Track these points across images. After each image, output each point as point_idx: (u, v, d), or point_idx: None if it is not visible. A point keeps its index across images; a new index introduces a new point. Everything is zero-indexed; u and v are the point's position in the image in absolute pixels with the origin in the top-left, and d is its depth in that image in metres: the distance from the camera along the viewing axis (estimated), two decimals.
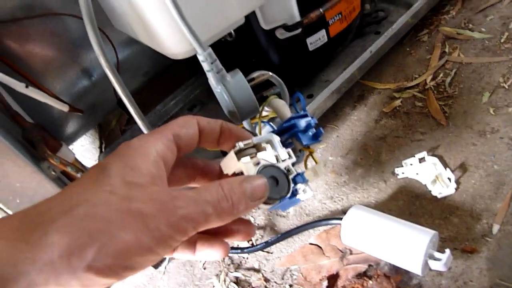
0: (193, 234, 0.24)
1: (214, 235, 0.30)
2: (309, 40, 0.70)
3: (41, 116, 0.59)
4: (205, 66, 0.47)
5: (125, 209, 0.22)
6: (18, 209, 0.46)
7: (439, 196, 0.57)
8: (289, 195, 0.32)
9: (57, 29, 0.66)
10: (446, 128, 0.66)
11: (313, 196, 0.65)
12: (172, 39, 0.50)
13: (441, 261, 0.44)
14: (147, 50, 0.84)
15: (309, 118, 0.46)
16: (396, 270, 0.52)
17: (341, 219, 0.54)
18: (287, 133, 0.47)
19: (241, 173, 0.31)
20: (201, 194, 0.25)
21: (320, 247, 0.58)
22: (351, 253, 0.55)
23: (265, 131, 0.65)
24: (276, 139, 0.35)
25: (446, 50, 0.79)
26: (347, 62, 0.76)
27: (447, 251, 0.45)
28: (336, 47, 0.77)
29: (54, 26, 0.65)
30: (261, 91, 0.66)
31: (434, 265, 0.45)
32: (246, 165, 0.30)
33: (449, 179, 0.57)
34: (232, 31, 0.67)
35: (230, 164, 0.31)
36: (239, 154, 0.32)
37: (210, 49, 0.46)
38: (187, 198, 0.24)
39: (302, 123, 0.46)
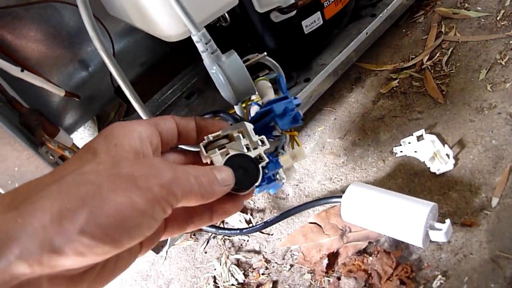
0: (179, 202, 0.24)
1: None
2: (304, 23, 0.69)
3: (39, 107, 0.60)
4: (200, 46, 0.47)
5: (114, 174, 0.22)
6: None
7: (437, 172, 0.57)
8: (258, 183, 0.33)
9: (52, 20, 0.66)
10: (443, 106, 0.65)
11: (311, 178, 0.65)
12: (166, 21, 0.50)
13: (442, 231, 0.44)
14: (143, 40, 0.85)
15: (289, 100, 0.46)
16: (396, 246, 0.52)
17: (340, 197, 0.54)
18: (266, 118, 0.47)
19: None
20: (183, 167, 0.26)
21: (320, 226, 0.58)
22: (350, 231, 0.56)
23: (253, 111, 0.65)
24: (249, 127, 0.35)
25: (443, 30, 0.79)
26: (343, 45, 0.75)
27: (447, 221, 0.45)
28: (331, 30, 0.76)
29: (49, 16, 0.65)
30: (258, 73, 0.66)
31: (435, 235, 0.45)
32: (214, 157, 0.32)
33: (448, 155, 0.57)
34: (227, 16, 0.67)
35: (202, 155, 0.33)
36: (210, 145, 0.33)
37: (204, 29, 0.46)
38: (173, 166, 0.25)
39: (280, 107, 0.45)
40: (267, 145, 0.35)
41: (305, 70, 0.75)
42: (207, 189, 0.26)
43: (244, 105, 0.58)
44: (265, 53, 0.58)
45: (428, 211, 0.46)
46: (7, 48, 0.55)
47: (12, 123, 0.49)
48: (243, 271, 0.59)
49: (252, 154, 0.33)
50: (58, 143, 0.48)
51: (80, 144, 1.02)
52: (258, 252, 0.60)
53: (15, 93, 0.54)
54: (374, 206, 0.50)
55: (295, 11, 0.63)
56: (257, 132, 0.37)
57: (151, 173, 0.23)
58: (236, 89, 0.50)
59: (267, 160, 0.34)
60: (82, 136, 1.04)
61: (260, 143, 0.34)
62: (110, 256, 0.22)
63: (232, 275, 0.58)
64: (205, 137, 0.33)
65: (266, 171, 0.36)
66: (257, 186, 0.34)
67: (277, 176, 0.41)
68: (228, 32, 0.69)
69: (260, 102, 0.63)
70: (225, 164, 0.31)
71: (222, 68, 0.48)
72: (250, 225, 0.63)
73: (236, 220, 0.65)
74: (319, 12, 0.70)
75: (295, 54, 0.75)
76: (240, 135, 0.34)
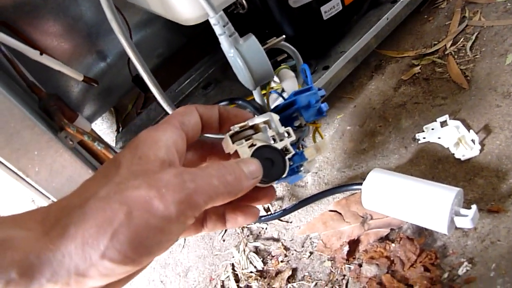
0: (204, 208, 0.24)
1: (239, 203, 0.31)
2: (323, 9, 0.68)
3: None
4: (217, 29, 0.46)
5: (130, 197, 0.23)
6: (38, 177, 0.46)
7: (462, 158, 0.55)
8: (285, 175, 0.32)
9: (70, 10, 0.66)
10: (468, 91, 0.63)
11: (331, 165, 0.64)
12: (184, 5, 0.49)
13: (468, 217, 0.42)
14: (160, 31, 0.85)
15: (313, 92, 0.45)
16: (419, 232, 0.51)
17: (360, 184, 0.53)
18: (290, 109, 0.46)
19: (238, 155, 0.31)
20: (205, 169, 0.25)
21: (340, 214, 0.57)
22: (372, 218, 0.54)
23: (272, 99, 0.64)
24: (275, 118, 0.34)
25: (466, 15, 0.76)
26: (363, 32, 0.74)
27: (474, 206, 0.43)
28: (351, 16, 0.75)
29: (67, 7, 0.65)
30: (276, 58, 0.65)
31: (461, 222, 0.43)
32: (240, 148, 0.31)
33: (473, 141, 0.55)
34: (244, 2, 0.66)
35: (227, 146, 0.32)
36: (236, 136, 0.32)
37: (222, 12, 0.45)
38: (192, 174, 0.24)
39: (304, 99, 0.44)
40: (293, 137, 0.34)
41: (323, 57, 0.74)
42: (234, 186, 0.26)
43: (264, 91, 0.57)
44: (283, 36, 0.57)
45: (454, 196, 0.44)
46: (27, 36, 0.55)
47: (31, 108, 0.49)
48: (261, 259, 0.58)
49: (279, 145, 0.33)
50: (77, 128, 0.49)
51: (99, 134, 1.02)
52: (277, 240, 0.59)
53: (33, 78, 0.54)
54: (397, 193, 0.48)
55: None
56: (283, 122, 0.36)
57: (168, 190, 0.23)
58: (254, 73, 0.49)
59: (293, 152, 0.34)
60: (100, 128, 1.05)
61: (286, 134, 0.34)
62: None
63: (250, 262, 0.58)
64: (231, 127, 0.32)
65: (291, 163, 0.36)
66: (280, 178, 0.33)
67: (301, 168, 0.40)
68: (245, 19, 0.68)
69: (279, 90, 0.62)
70: (252, 155, 0.31)
71: (240, 51, 0.47)
72: (269, 212, 0.62)
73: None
74: None
75: (314, 41, 0.74)
76: (267, 126, 0.33)
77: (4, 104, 0.43)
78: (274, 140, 0.33)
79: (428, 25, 0.79)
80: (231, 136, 0.31)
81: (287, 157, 0.32)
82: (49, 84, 0.59)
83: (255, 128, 0.33)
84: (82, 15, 0.68)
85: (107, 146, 0.51)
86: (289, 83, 0.60)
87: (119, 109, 1.06)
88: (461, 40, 0.72)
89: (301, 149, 0.47)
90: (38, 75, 0.56)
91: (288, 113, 0.46)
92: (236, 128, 0.32)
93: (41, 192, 0.49)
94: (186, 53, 0.91)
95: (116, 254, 0.21)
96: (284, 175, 0.32)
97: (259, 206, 0.64)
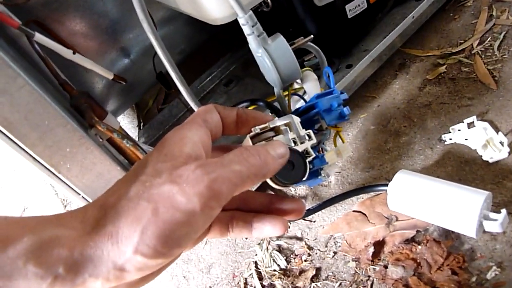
0: (232, 195, 0.25)
1: (268, 214, 0.31)
2: (348, 7, 0.67)
3: None
4: (246, 29, 0.46)
5: (155, 194, 0.24)
6: (69, 174, 0.47)
7: (490, 160, 0.54)
8: (305, 178, 0.32)
9: (96, 7, 0.67)
10: (495, 92, 0.62)
11: (354, 165, 0.64)
12: (213, 4, 0.49)
13: (497, 221, 0.42)
14: (182, 28, 0.85)
15: (336, 96, 0.45)
16: (446, 235, 0.50)
17: (386, 185, 0.52)
18: (311, 112, 0.46)
19: None
20: (226, 157, 0.26)
21: (364, 214, 0.56)
22: (397, 220, 0.54)
23: (294, 102, 0.63)
24: (296, 120, 0.34)
25: (494, 13, 0.75)
26: (387, 30, 0.73)
27: (503, 211, 0.43)
28: (376, 14, 0.74)
29: (93, 3, 0.66)
30: (303, 57, 0.65)
31: (489, 226, 0.43)
32: None
33: (502, 143, 0.55)
34: (269, 0, 0.66)
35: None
36: (256, 138, 0.32)
37: (251, 12, 0.46)
38: (213, 163, 0.25)
39: (325, 102, 0.44)
40: (314, 140, 0.34)
41: (346, 55, 0.73)
42: (259, 167, 0.26)
43: (286, 92, 0.57)
44: (312, 36, 0.57)
45: (483, 200, 0.44)
46: (59, 35, 0.56)
47: (63, 105, 0.50)
48: (285, 257, 0.58)
49: (299, 148, 0.33)
50: (107, 125, 0.49)
51: None
52: (300, 239, 0.60)
53: (65, 77, 0.55)
54: (424, 195, 0.48)
55: None
56: (304, 125, 0.36)
57: (188, 184, 0.24)
58: (282, 72, 0.49)
59: (314, 155, 0.34)
60: (121, 123, 1.06)
61: (307, 137, 0.34)
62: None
63: (274, 260, 0.58)
64: (252, 129, 0.32)
65: (311, 166, 0.35)
66: (300, 181, 0.33)
67: (321, 172, 0.40)
68: (269, 17, 0.68)
69: (301, 93, 0.62)
70: None
71: (268, 51, 0.47)
72: None
73: None
74: None
75: (337, 39, 0.73)
76: (287, 128, 0.33)
77: (40, 102, 0.44)
78: (295, 142, 0.33)
79: (453, 24, 0.78)
80: (252, 138, 0.32)
81: (307, 160, 0.32)
82: (73, 80, 0.60)
83: (276, 130, 0.34)
84: (107, 11, 0.68)
85: (135, 143, 0.52)
86: (311, 86, 0.59)
87: (140, 104, 1.07)
88: (488, 39, 0.71)
89: (321, 152, 0.47)
90: (63, 72, 0.57)
91: (309, 116, 0.46)
92: (257, 129, 0.32)
93: (72, 188, 0.50)
94: (208, 50, 0.91)
95: (147, 249, 0.23)
96: (304, 178, 0.32)
97: None
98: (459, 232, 0.47)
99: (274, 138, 0.33)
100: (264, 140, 0.32)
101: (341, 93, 0.46)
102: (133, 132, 1.02)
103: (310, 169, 0.35)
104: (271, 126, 0.33)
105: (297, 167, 0.32)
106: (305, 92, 0.61)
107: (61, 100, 0.51)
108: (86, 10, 0.66)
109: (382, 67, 0.74)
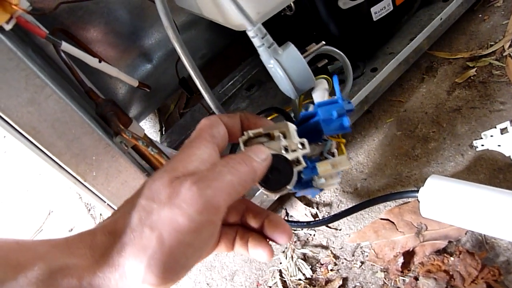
0: (228, 204, 0.25)
1: (261, 236, 0.32)
2: (373, 9, 0.66)
3: None
4: (256, 41, 0.46)
5: (157, 221, 0.24)
6: (95, 182, 0.47)
7: None
8: (289, 186, 0.32)
9: (119, 13, 0.67)
10: None
11: (381, 171, 0.62)
12: (237, 12, 0.49)
13: None
14: (204, 33, 0.85)
15: (337, 104, 0.43)
16: (479, 246, 0.48)
17: (416, 191, 0.51)
18: (310, 121, 0.44)
19: None
20: (215, 169, 0.26)
21: (392, 223, 0.55)
22: (427, 229, 0.52)
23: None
24: (291, 127, 0.34)
25: None
26: (414, 32, 0.71)
27: None
28: (402, 16, 0.72)
29: (117, 10, 0.66)
30: (317, 64, 0.64)
31: None
32: None
33: None
34: (292, 4, 0.65)
35: (238, 150, 0.32)
36: (249, 142, 0.32)
37: (259, 24, 0.45)
38: (206, 179, 0.25)
39: (325, 111, 0.43)
40: (307, 149, 0.33)
41: (371, 58, 0.72)
42: (248, 174, 0.27)
43: (299, 100, 0.56)
44: (323, 42, 0.55)
45: None
46: (84, 42, 0.57)
47: (89, 113, 0.50)
48: (310, 266, 0.57)
49: (290, 156, 0.32)
50: (132, 133, 0.49)
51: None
52: (325, 247, 0.58)
53: (91, 84, 0.55)
54: (460, 200, 0.46)
55: None
56: (306, 134, 0.35)
57: (188, 202, 0.24)
58: (295, 81, 0.48)
59: (304, 164, 0.33)
60: (144, 128, 1.07)
61: (300, 146, 0.33)
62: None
63: (299, 269, 0.57)
64: (244, 133, 0.32)
65: (303, 176, 0.35)
66: (293, 189, 0.33)
67: (313, 183, 0.38)
68: (292, 21, 0.67)
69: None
70: None
71: (280, 62, 0.46)
72: (317, 219, 0.62)
73: (301, 214, 0.63)
74: None
75: (362, 43, 0.72)
76: (281, 135, 0.33)
77: (66, 111, 0.44)
78: (286, 150, 0.32)
79: (483, 25, 0.75)
80: (244, 142, 0.32)
81: (296, 169, 0.31)
82: (97, 86, 0.60)
83: (271, 136, 0.33)
84: (129, 18, 0.69)
85: (160, 151, 0.52)
86: (318, 94, 0.57)
87: (161, 109, 1.08)
88: None
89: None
90: (87, 77, 0.57)
91: (309, 125, 0.45)
92: (250, 133, 0.32)
93: (97, 196, 0.50)
94: (229, 54, 0.91)
95: (154, 278, 0.23)
96: (289, 186, 0.31)
97: (307, 212, 0.63)
98: (502, 238, 0.45)
99: (265, 143, 0.32)
100: (255, 144, 0.32)
101: (348, 102, 0.45)
102: (155, 137, 1.02)
103: (302, 178, 0.34)
104: (264, 132, 0.33)
105: (283, 174, 0.32)
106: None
107: (87, 108, 0.51)
108: (109, 17, 0.66)
109: (408, 70, 0.72)
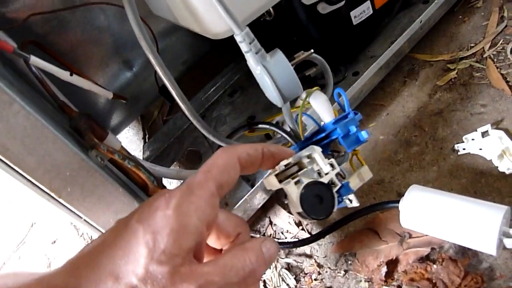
0: None
1: None
2: (353, 13, 0.66)
3: (86, 109, 0.60)
4: (243, 47, 0.45)
5: None
6: (69, 197, 0.46)
7: (507, 172, 0.52)
8: (334, 209, 0.32)
9: (97, 22, 0.66)
10: (510, 98, 0.60)
11: None
12: (211, 19, 0.48)
13: None
14: (185, 39, 0.84)
15: (351, 118, 0.43)
16: (462, 253, 0.48)
17: (397, 201, 0.50)
18: (330, 139, 0.44)
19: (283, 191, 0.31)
20: (226, 267, 0.23)
21: (375, 232, 0.54)
22: (410, 237, 0.52)
23: (304, 121, 0.61)
24: (318, 151, 0.34)
25: (505, 14, 0.72)
26: (394, 35, 0.71)
27: None
28: (382, 20, 0.72)
29: (94, 19, 0.65)
30: (303, 71, 0.63)
31: (510, 243, 0.40)
32: (289, 188, 0.31)
33: None
34: (271, 9, 0.65)
35: (272, 184, 0.31)
36: (281, 175, 0.32)
37: (247, 29, 0.44)
38: (211, 281, 0.22)
39: (342, 127, 0.42)
40: (338, 169, 0.34)
41: (352, 62, 0.71)
42: (252, 274, 0.24)
43: (293, 109, 0.55)
44: (312, 51, 0.55)
45: (502, 215, 0.42)
46: (56, 53, 0.55)
47: (62, 127, 0.49)
48: (294, 276, 0.56)
49: (325, 180, 0.32)
50: (108, 147, 0.48)
51: (125, 145, 1.03)
52: (309, 256, 0.58)
53: (64, 97, 0.54)
54: (438, 211, 0.46)
55: (343, 1, 0.60)
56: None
57: None
58: (282, 89, 0.47)
59: (339, 185, 0.33)
60: (126, 135, 1.05)
61: (330, 168, 0.33)
62: None
63: (283, 279, 0.56)
64: (276, 167, 0.31)
65: (341, 194, 0.36)
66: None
67: (347, 200, 0.38)
68: (272, 26, 0.66)
69: (308, 111, 0.59)
70: (301, 193, 0.31)
71: (267, 68, 0.46)
72: (300, 227, 0.61)
73: (285, 222, 0.63)
74: (368, 1, 0.66)
75: (342, 47, 0.71)
76: (310, 160, 0.33)
77: (36, 127, 0.43)
78: (319, 174, 0.32)
79: (463, 26, 0.75)
80: (277, 175, 0.31)
81: (334, 190, 0.31)
82: (76, 96, 0.59)
83: (299, 164, 0.33)
84: (108, 26, 0.67)
85: (137, 164, 0.50)
86: (322, 108, 0.55)
87: (145, 116, 1.07)
88: (500, 42, 0.68)
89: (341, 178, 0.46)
90: (66, 88, 0.56)
91: (327, 142, 0.45)
92: (282, 167, 0.31)
93: (73, 212, 0.49)
94: (211, 60, 0.90)
95: None
96: (334, 209, 0.32)
97: (291, 221, 0.62)
98: (479, 250, 0.45)
99: (299, 173, 0.32)
100: (289, 176, 0.32)
101: (355, 113, 0.45)
102: (138, 145, 1.01)
103: (339, 197, 0.34)
104: (294, 161, 0.32)
105: (326, 200, 0.32)
106: (307, 109, 0.58)
107: (60, 122, 0.50)
108: (86, 26, 0.65)
109: (390, 73, 0.72)
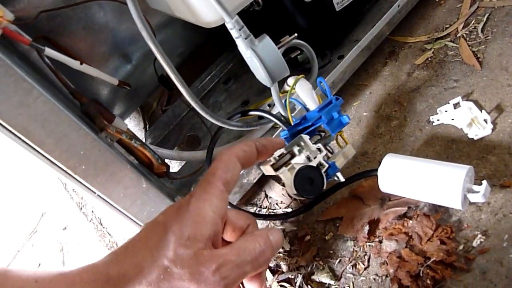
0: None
1: None
2: (335, 0, 0.71)
3: None
4: (234, 33, 0.50)
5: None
6: (84, 174, 0.52)
7: (475, 138, 0.58)
8: (324, 187, 0.39)
9: (97, 17, 0.71)
10: (480, 73, 0.65)
11: None
12: (204, 9, 0.53)
13: (480, 193, 0.45)
14: (180, 32, 0.89)
15: (334, 105, 0.48)
16: (435, 209, 0.54)
17: (376, 170, 0.56)
18: (315, 126, 0.50)
19: (278, 177, 0.38)
20: (241, 254, 0.28)
21: (360, 198, 0.60)
22: (389, 200, 0.58)
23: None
24: (306, 138, 0.40)
25: None
26: (376, 19, 0.76)
27: (484, 182, 0.46)
28: (363, 5, 0.77)
29: (94, 14, 0.70)
30: (290, 55, 0.69)
31: (474, 197, 0.46)
32: (283, 174, 0.37)
33: (485, 120, 0.58)
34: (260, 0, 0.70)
35: (269, 172, 0.38)
36: (276, 164, 0.38)
37: (237, 17, 0.49)
38: (230, 264, 0.27)
39: (327, 114, 0.48)
40: (324, 152, 0.41)
41: (338, 47, 0.77)
42: (264, 262, 0.29)
43: (282, 93, 0.60)
44: (295, 35, 0.60)
45: (465, 174, 0.47)
46: (63, 47, 0.60)
47: (75, 112, 0.54)
48: (288, 240, 0.62)
49: (314, 163, 0.39)
50: (116, 128, 0.54)
51: None
52: (302, 222, 0.64)
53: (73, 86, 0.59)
54: (411, 175, 0.51)
55: None
56: (300, 133, 0.42)
57: (209, 285, 0.26)
58: (271, 70, 0.53)
59: (327, 165, 0.40)
60: (128, 126, 1.11)
61: (318, 152, 0.40)
62: None
63: None
64: (271, 158, 0.37)
65: (328, 174, 0.42)
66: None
67: (334, 177, 0.45)
68: (261, 16, 0.72)
69: (294, 97, 0.64)
70: (294, 178, 0.37)
71: (256, 52, 0.51)
72: (293, 198, 0.67)
73: (279, 194, 0.69)
74: None
75: (328, 32, 0.77)
76: (300, 148, 0.39)
77: (54, 111, 0.48)
78: (309, 158, 0.38)
79: (439, 9, 0.81)
80: (272, 165, 0.37)
81: (322, 171, 0.38)
82: (81, 88, 0.64)
83: (291, 152, 0.39)
84: (107, 21, 0.72)
85: (142, 143, 0.56)
86: (306, 95, 0.60)
87: (144, 107, 1.12)
88: (472, 22, 0.74)
89: (328, 153, 0.51)
90: (72, 82, 0.61)
91: (314, 128, 0.50)
92: (276, 157, 0.37)
93: (87, 187, 0.54)
94: (206, 51, 0.95)
95: None
96: (324, 188, 0.38)
97: (285, 192, 0.68)
98: (447, 206, 0.51)
99: (292, 161, 0.38)
100: (283, 164, 0.38)
101: (337, 98, 0.50)
102: (139, 134, 1.06)
103: (327, 176, 0.41)
104: (286, 151, 0.39)
105: (316, 181, 0.38)
106: (293, 94, 0.64)
107: (72, 107, 0.55)
108: (87, 22, 0.70)
109: (373, 55, 0.77)
